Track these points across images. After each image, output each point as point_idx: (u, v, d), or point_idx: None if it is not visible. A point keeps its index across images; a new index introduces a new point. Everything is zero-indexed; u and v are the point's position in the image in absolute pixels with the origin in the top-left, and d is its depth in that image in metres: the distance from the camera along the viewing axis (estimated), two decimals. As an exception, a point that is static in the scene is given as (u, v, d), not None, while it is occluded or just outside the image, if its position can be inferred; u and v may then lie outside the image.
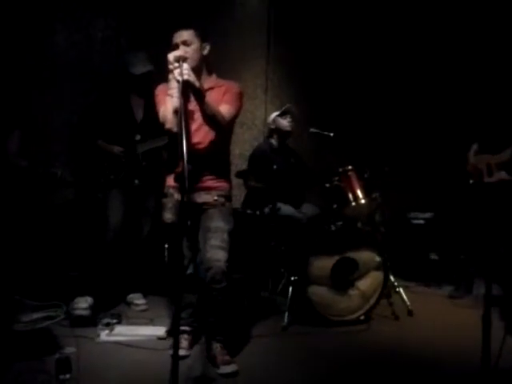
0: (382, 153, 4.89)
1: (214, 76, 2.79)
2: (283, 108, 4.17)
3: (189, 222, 2.64)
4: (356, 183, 3.64)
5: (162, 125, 2.62)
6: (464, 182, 3.93)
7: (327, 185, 3.72)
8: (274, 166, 3.85)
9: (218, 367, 2.63)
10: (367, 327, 3.41)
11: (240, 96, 2.77)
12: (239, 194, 4.50)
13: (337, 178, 3.67)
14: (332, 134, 3.95)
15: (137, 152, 3.60)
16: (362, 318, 3.47)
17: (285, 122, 4.13)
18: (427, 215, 4.84)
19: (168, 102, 2.57)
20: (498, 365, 2.07)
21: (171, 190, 2.75)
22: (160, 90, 2.74)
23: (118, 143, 3.59)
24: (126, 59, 3.64)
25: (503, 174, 3.66)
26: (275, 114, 4.22)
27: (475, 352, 2.12)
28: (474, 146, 3.95)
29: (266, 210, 3.84)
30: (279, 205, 3.79)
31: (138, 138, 3.62)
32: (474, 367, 2.16)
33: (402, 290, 3.73)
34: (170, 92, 2.55)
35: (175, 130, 2.32)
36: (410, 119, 5.15)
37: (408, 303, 3.66)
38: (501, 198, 3.67)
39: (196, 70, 2.64)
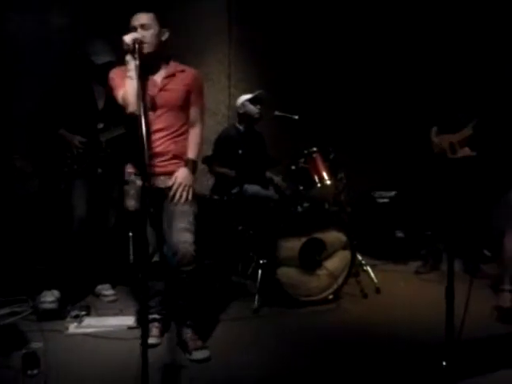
0: (346, 134, 4.94)
1: (172, 62, 2.76)
2: (255, 93, 4.12)
3: (151, 209, 2.62)
4: (321, 165, 3.66)
5: (123, 108, 2.58)
6: (426, 159, 4.02)
7: (293, 167, 3.74)
8: (240, 151, 3.84)
9: (190, 353, 2.63)
10: (336, 306, 3.47)
11: (202, 85, 2.82)
12: (205, 180, 4.49)
13: (302, 160, 3.69)
14: (297, 117, 3.96)
15: (100, 140, 3.53)
16: (330, 297, 3.53)
17: (255, 109, 4.11)
18: (392, 194, 4.91)
19: (129, 85, 2.52)
20: (461, 336, 2.14)
21: (133, 177, 2.72)
22: (115, 73, 2.68)
23: (80, 132, 3.50)
24: (87, 47, 3.55)
25: (467, 150, 3.75)
26: (245, 97, 4.16)
27: (441, 325, 2.18)
28: (434, 129, 4.04)
29: (234, 191, 3.83)
30: (246, 186, 3.79)
31: (100, 126, 3.55)
32: (439, 339, 2.22)
33: (369, 268, 3.80)
34: (129, 74, 2.51)
35: (137, 113, 2.28)
36: (372, 100, 5.20)
37: (375, 281, 3.73)
38: (465, 174, 3.76)
39: (154, 56, 2.62)
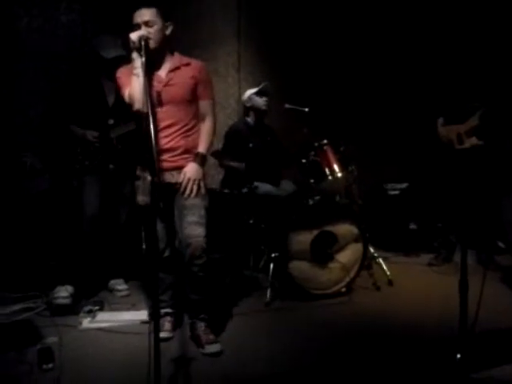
0: (357, 125, 4.91)
1: (176, 54, 2.75)
2: (260, 86, 4.10)
3: (161, 204, 2.63)
4: (332, 157, 3.64)
5: (130, 106, 2.58)
6: (437, 150, 4.00)
7: (304, 160, 3.72)
8: (250, 145, 3.83)
9: (203, 347, 2.64)
10: (349, 299, 3.46)
11: (209, 77, 2.79)
12: (216, 174, 4.49)
13: (313, 153, 3.67)
14: (307, 110, 3.94)
15: (111, 136, 3.54)
16: (343, 290, 3.51)
17: (261, 101, 4.09)
18: (403, 186, 4.88)
19: (135, 82, 2.52)
20: (475, 329, 2.13)
21: (144, 173, 2.72)
22: (122, 72, 2.69)
23: (91, 128, 3.51)
24: (97, 42, 3.55)
25: (474, 140, 3.72)
26: (251, 91, 4.15)
27: (454, 317, 2.17)
28: (440, 120, 4.02)
29: (244, 189, 3.83)
30: (257, 184, 3.79)
31: (111, 122, 3.55)
32: (453, 331, 2.21)
33: (381, 261, 3.78)
34: (135, 72, 2.51)
35: (145, 110, 2.28)
36: (383, 91, 5.16)
37: (388, 273, 3.71)
38: (474, 164, 3.74)
39: (159, 51, 2.61)
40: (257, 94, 4.10)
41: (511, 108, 3.51)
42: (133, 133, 3.47)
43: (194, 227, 2.64)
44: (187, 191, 2.64)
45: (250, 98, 4.13)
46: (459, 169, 3.88)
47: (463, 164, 3.82)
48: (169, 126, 2.65)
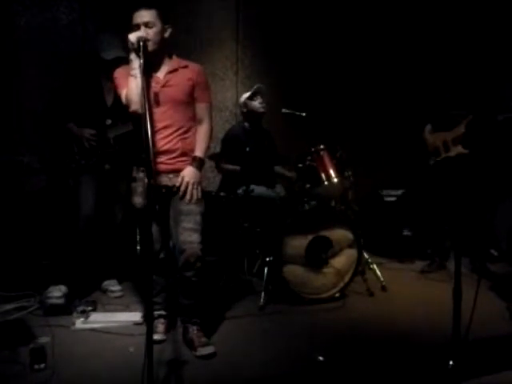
0: (354, 131, 4.93)
1: (174, 57, 2.76)
2: (253, 89, 4.13)
3: (157, 207, 2.62)
4: (328, 162, 3.64)
5: (127, 107, 2.59)
6: (425, 162, 4.03)
7: (300, 165, 3.73)
8: (247, 149, 3.84)
9: (196, 350, 2.63)
10: (342, 304, 3.46)
11: (207, 81, 2.80)
12: (212, 177, 4.49)
13: (309, 158, 3.68)
14: (304, 114, 3.95)
15: (108, 136, 3.54)
16: (337, 295, 3.52)
17: (256, 104, 4.10)
18: (399, 192, 4.89)
19: (132, 83, 2.53)
20: (468, 336, 2.14)
21: (141, 174, 2.72)
22: (119, 73, 2.70)
23: (88, 127, 3.51)
24: (98, 43, 3.55)
25: (460, 148, 3.76)
26: (245, 96, 4.17)
27: (447, 324, 2.18)
28: (428, 127, 4.04)
29: (240, 191, 3.84)
30: (253, 186, 3.80)
31: (108, 122, 3.55)
32: (446, 339, 2.22)
33: (375, 267, 3.78)
34: (133, 73, 2.52)
35: (141, 111, 2.28)
36: (380, 97, 5.18)
37: (382, 279, 3.72)
38: (460, 171, 3.77)
39: (157, 53, 2.62)
40: (250, 97, 4.11)
41: (497, 117, 3.53)
42: (130, 133, 3.48)
43: (189, 233, 2.63)
44: (187, 196, 2.64)
45: (245, 103, 4.15)
46: (451, 177, 3.90)
47: (454, 172, 3.84)
48: (165, 128, 2.65)
